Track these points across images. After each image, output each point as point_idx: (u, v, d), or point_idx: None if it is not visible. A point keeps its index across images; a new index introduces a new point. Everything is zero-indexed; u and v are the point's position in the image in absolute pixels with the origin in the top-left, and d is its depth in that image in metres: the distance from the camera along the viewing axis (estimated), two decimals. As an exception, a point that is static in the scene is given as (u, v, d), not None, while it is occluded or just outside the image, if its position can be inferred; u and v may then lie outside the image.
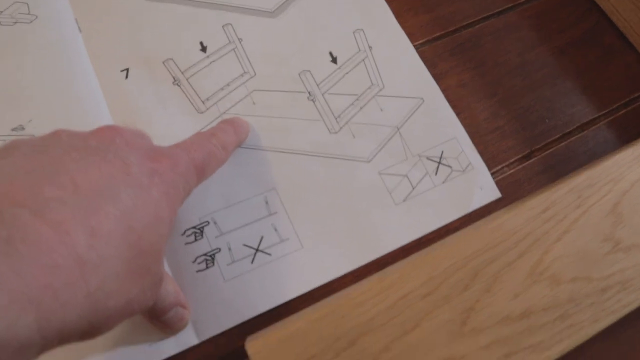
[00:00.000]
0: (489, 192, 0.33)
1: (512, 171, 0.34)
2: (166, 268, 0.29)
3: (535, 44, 0.38)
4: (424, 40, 0.37)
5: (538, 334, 0.25)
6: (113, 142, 0.23)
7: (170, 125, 0.32)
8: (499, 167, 0.34)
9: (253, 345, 0.23)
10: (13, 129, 0.32)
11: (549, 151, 0.35)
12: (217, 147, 0.27)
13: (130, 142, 0.23)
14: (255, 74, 0.34)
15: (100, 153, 0.21)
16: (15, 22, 0.34)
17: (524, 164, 0.34)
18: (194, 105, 0.33)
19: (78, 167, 0.20)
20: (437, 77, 0.35)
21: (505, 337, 0.24)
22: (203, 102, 0.33)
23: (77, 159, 0.20)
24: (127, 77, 0.34)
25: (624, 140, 0.35)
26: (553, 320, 0.25)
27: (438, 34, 0.37)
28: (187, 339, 0.28)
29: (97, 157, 0.21)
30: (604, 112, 0.36)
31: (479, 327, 0.24)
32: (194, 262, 0.29)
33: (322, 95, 0.34)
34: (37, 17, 0.34)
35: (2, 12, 0.34)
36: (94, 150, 0.21)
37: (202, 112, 0.33)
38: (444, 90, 0.35)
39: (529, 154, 0.35)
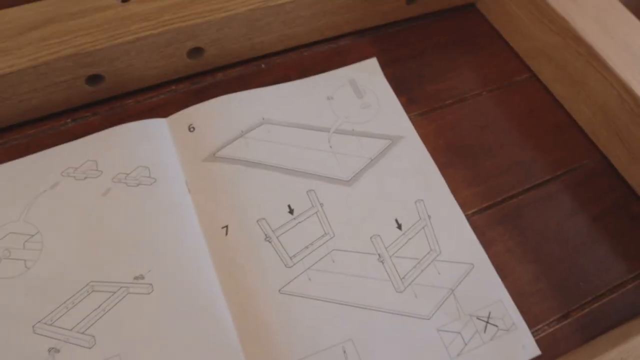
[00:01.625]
0: (530, 349, 0.38)
1: (551, 330, 0.39)
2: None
3: (571, 213, 0.44)
4: (476, 209, 0.43)
5: None
6: None
7: (264, 277, 0.39)
8: (540, 325, 0.39)
9: None
10: (135, 278, 0.38)
11: (583, 312, 0.40)
12: None
13: None
14: (334, 235, 0.41)
15: None
16: (139, 184, 0.41)
17: (562, 324, 0.40)
18: (282, 261, 0.40)
19: None
20: (487, 244, 0.42)
21: None
22: (290, 258, 0.40)
23: None
24: (226, 233, 0.40)
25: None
26: None
27: (487, 204, 0.44)
28: None
29: None
30: (634, 274, 0.42)
31: None
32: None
33: (390, 257, 0.40)
34: (155, 180, 0.42)
35: (128, 174, 0.42)
36: None
37: (289, 267, 0.39)
38: (492, 256, 0.41)
39: (566, 314, 0.40)
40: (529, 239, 0.43)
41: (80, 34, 0.41)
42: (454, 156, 0.46)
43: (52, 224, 0.40)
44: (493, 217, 0.43)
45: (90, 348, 0.36)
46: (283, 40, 0.48)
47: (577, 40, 0.45)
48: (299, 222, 0.41)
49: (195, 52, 0.45)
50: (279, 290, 0.38)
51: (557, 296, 0.41)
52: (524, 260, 0.42)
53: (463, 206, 0.43)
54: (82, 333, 0.37)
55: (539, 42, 0.49)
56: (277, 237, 0.40)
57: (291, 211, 0.41)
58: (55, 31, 0.41)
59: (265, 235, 0.40)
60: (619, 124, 0.45)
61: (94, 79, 0.43)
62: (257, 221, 0.41)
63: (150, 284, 0.38)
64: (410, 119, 0.47)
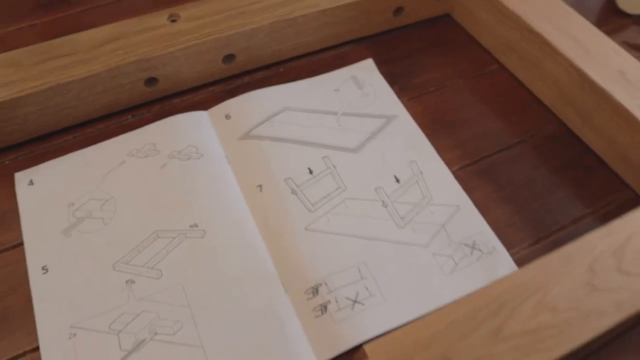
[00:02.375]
0: (508, 266, 0.47)
1: (525, 252, 0.48)
2: (295, 317, 0.44)
3: (536, 166, 0.54)
4: (459, 166, 0.53)
5: (546, 341, 0.38)
6: None
7: (293, 219, 0.48)
8: (516, 249, 0.48)
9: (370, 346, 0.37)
10: (190, 226, 0.48)
11: (551, 238, 0.49)
12: None
13: None
14: (346, 188, 0.51)
15: None
16: (189, 159, 0.52)
17: (533, 247, 0.48)
18: (306, 207, 0.49)
19: None
20: (469, 192, 0.51)
21: (524, 343, 0.38)
22: (312, 205, 0.49)
23: None
24: (261, 190, 0.50)
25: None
26: (555, 333, 0.38)
27: (467, 162, 0.54)
28: None
29: None
30: (589, 210, 0.51)
31: (506, 337, 0.38)
32: (313, 311, 0.44)
33: (391, 203, 0.50)
34: (202, 155, 0.52)
35: (180, 151, 0.52)
36: None
37: (312, 212, 0.49)
38: (473, 201, 0.51)
39: (536, 240, 0.49)
40: (503, 186, 0.52)
41: (140, 46, 0.52)
42: (438, 129, 0.56)
43: (122, 191, 0.50)
44: (472, 172, 0.53)
45: (158, 279, 0.45)
46: (296, 47, 0.59)
47: (530, 32, 0.57)
48: (317, 180, 0.51)
49: (229, 58, 0.57)
50: (305, 228, 0.48)
51: (528, 228, 0.50)
52: (500, 202, 0.51)
53: (448, 164, 0.53)
54: (152, 268, 0.46)
55: (503, 38, 0.61)
56: (301, 191, 0.50)
57: (311, 172, 0.51)
58: (122, 44, 0.52)
59: (292, 189, 0.50)
60: (570, 94, 0.55)
61: (150, 81, 0.54)
62: (285, 180, 0.51)
63: (203, 230, 0.48)
64: (402, 102, 0.57)
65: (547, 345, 0.38)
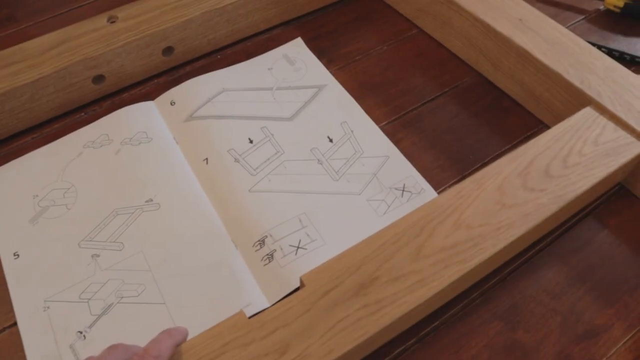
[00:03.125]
0: (437, 201, 0.51)
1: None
2: (245, 266, 0.47)
3: (457, 113, 0.58)
4: (386, 122, 0.57)
5: (462, 254, 0.42)
6: None
7: (237, 183, 0.52)
8: (442, 188, 0.52)
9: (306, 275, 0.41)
10: (146, 201, 0.52)
11: (474, 175, 0.53)
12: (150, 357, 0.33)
13: None
14: (284, 152, 0.55)
15: None
16: (140, 143, 0.55)
17: (457, 184, 0.52)
18: (248, 172, 0.53)
19: None
20: (397, 142, 0.55)
21: (443, 258, 0.41)
22: (254, 170, 0.53)
23: None
24: (207, 163, 0.54)
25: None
26: (470, 247, 0.42)
27: (394, 117, 0.58)
28: (262, 303, 0.45)
29: None
30: (509, 146, 0.55)
31: (427, 255, 0.42)
32: (261, 260, 0.48)
33: (326, 160, 0.54)
34: (152, 139, 0.56)
35: (131, 138, 0.56)
36: None
37: (254, 175, 0.53)
38: (402, 149, 0.55)
39: (461, 178, 0.53)
40: (428, 134, 0.56)
41: (85, 47, 0.56)
42: (366, 91, 0.60)
43: (82, 179, 0.54)
44: (399, 125, 0.57)
45: (120, 250, 0.49)
46: (230, 34, 0.63)
47: (439, -5, 0.61)
48: (257, 148, 0.55)
49: (168, 50, 0.60)
50: (249, 190, 0.52)
51: (453, 167, 0.54)
52: (426, 148, 0.55)
53: (376, 121, 0.57)
54: (114, 242, 0.50)
55: (416, 4, 0.65)
56: (243, 159, 0.54)
57: (251, 142, 0.55)
58: (68, 47, 0.56)
59: (235, 158, 0.54)
60: (479, 45, 0.59)
61: (98, 79, 0.58)
62: (228, 151, 0.55)
63: (158, 203, 0.51)
64: (332, 73, 0.62)
65: (463, 258, 0.42)
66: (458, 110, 0.58)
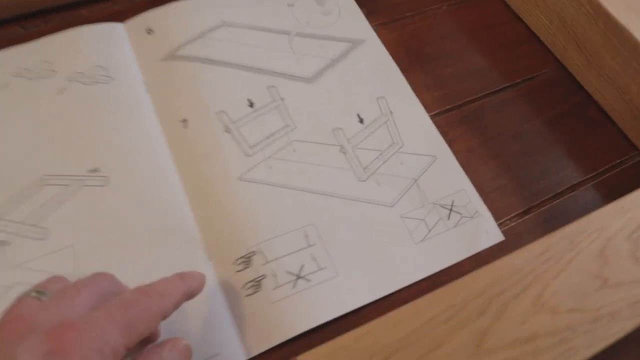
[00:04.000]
0: (494, 236, 0.36)
1: (513, 224, 0.37)
2: (219, 294, 0.32)
3: (530, 117, 0.42)
4: (437, 111, 0.41)
5: (541, 356, 0.27)
6: (9, 338, 0.20)
7: (224, 165, 0.36)
8: (502, 220, 0.37)
9: (307, 357, 0.26)
10: (89, 170, 0.35)
11: (544, 208, 0.38)
12: (151, 297, 0.24)
13: (32, 326, 0.21)
14: (295, 127, 0.38)
15: None
16: (95, 83, 0.38)
17: (523, 218, 0.38)
18: (242, 150, 0.37)
19: None
20: (448, 143, 0.39)
21: (514, 358, 0.27)
22: (250, 148, 0.37)
23: None
24: (185, 126, 0.37)
25: (608, 199, 0.39)
26: (554, 344, 0.28)
27: (447, 107, 0.41)
28: (236, 356, 0.30)
29: None
30: (590, 175, 0.40)
31: (493, 348, 0.27)
32: (243, 287, 0.32)
33: (352, 149, 0.38)
34: (113, 79, 0.38)
35: (84, 73, 0.38)
36: None
37: (250, 156, 0.37)
38: (454, 154, 0.39)
39: (527, 210, 0.38)
40: (490, 139, 0.41)
41: None
42: (414, 62, 0.43)
43: (2, 121, 0.36)
44: (453, 119, 0.41)
45: (42, 240, 0.33)
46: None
47: (534, -53, 0.44)
48: (260, 115, 0.38)
49: (153, -48, 0.42)
50: (239, 178, 0.36)
51: (518, 192, 0.39)
52: (486, 158, 0.40)
53: (424, 107, 0.41)
54: (34, 225, 0.33)
55: (497, -45, 0.47)
56: (237, 128, 0.37)
57: (251, 105, 0.39)
58: None
59: (225, 126, 0.37)
60: (576, 29, 0.43)
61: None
62: (217, 113, 0.38)
63: (106, 177, 0.35)
64: (371, 26, 0.44)
65: None
66: (530, 113, 0.42)
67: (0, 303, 0.30)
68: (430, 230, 0.36)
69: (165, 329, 0.29)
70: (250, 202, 0.35)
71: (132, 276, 0.28)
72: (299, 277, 0.33)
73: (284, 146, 0.37)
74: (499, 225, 0.37)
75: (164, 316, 0.25)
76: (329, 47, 0.42)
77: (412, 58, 0.44)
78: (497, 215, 0.37)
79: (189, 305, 0.29)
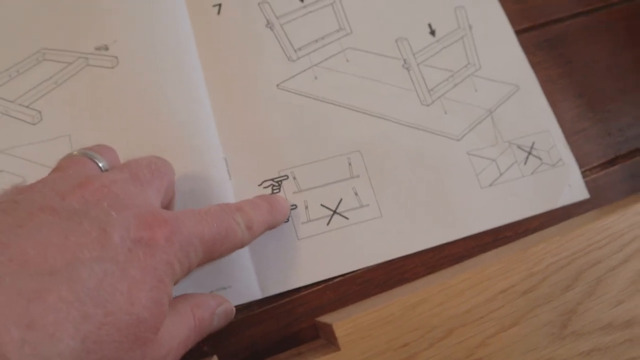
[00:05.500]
0: (578, 191, 0.29)
1: (594, 176, 0.30)
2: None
3: (626, 46, 0.34)
4: (516, 29, 0.33)
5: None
6: (98, 204, 0.17)
7: (261, 68, 0.29)
8: (581, 170, 0.30)
9: (342, 327, 0.19)
10: (97, 48, 0.28)
11: (633, 159, 0.31)
12: (239, 225, 0.21)
13: (122, 202, 0.18)
14: (351, 31, 0.30)
15: (75, 218, 0.16)
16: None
17: (606, 170, 0.30)
18: (285, 52, 0.29)
19: (38, 235, 0.15)
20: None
21: (606, 346, 0.21)
22: (295, 51, 0.29)
23: (42, 224, 0.16)
24: (218, 13, 0.30)
25: None
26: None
27: (526, 25, 0.33)
28: (251, 292, 0.25)
29: (69, 222, 0.16)
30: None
31: (580, 332, 0.21)
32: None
33: (417, 65, 0.30)
34: None
35: None
36: (69, 214, 0.16)
37: (293, 61, 0.29)
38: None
39: (612, 159, 0.30)
40: (575, 70, 0.32)
41: None
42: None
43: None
44: (532, 41, 0.33)
45: (34, 124, 0.27)
46: None
47: None
48: (310, 12, 0.31)
49: None
50: (277, 85, 0.28)
51: (603, 139, 0.31)
52: (569, 94, 0.32)
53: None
54: (26, 106, 0.27)
55: None
56: (281, 25, 0.30)
57: (300, -3, 0.31)
58: None
59: (267, 20, 0.30)
60: None
61: None
62: (259, 3, 0.30)
63: (115, 57, 0.28)
64: None
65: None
66: (627, 41, 0.34)
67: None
68: (501, 174, 0.28)
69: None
70: (288, 116, 0.28)
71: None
72: (335, 212, 0.26)
73: (335, 53, 0.30)
74: (586, 176, 0.29)
75: (241, 247, 0.21)
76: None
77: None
78: (578, 161, 0.30)
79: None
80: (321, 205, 0.26)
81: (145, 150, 0.26)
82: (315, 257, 0.25)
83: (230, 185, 0.26)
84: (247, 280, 0.25)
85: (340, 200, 0.26)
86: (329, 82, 0.29)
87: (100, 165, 0.21)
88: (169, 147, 0.26)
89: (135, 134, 0.27)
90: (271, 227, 0.24)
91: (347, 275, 0.26)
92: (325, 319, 0.22)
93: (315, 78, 0.29)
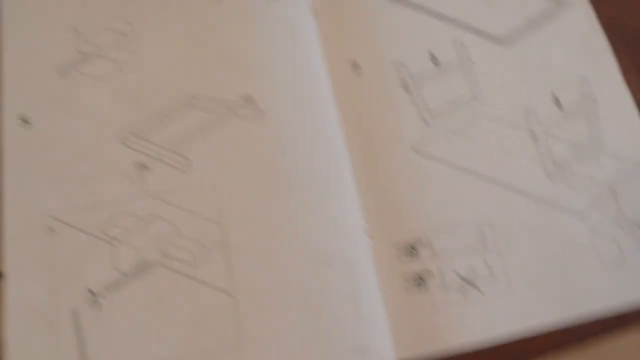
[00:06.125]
0: None
1: None
2: (375, 280, 0.27)
3: None
4: (642, 103, 0.33)
5: None
6: None
7: (397, 129, 0.30)
8: None
9: None
10: (242, 97, 0.29)
11: None
12: None
13: None
14: (481, 97, 0.31)
15: None
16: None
17: None
18: (419, 114, 0.30)
19: None
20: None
21: None
22: (430, 113, 0.30)
23: None
24: (356, 72, 0.31)
25: None
26: None
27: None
28: (386, 353, 0.26)
29: None
30: None
31: None
32: (404, 279, 0.27)
33: (545, 136, 0.31)
34: (277, -4, 0.32)
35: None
36: None
37: (427, 125, 0.30)
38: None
39: None
40: None
41: None
42: (621, 38, 0.35)
43: (149, 23, 0.31)
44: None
45: (184, 172, 0.28)
46: None
47: None
48: (443, 74, 0.31)
49: None
50: (413, 148, 0.29)
51: None
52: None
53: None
54: (175, 153, 0.28)
55: None
56: (416, 87, 0.31)
57: (434, 59, 0.32)
58: None
59: (403, 81, 0.31)
60: None
61: None
62: (393, 63, 0.31)
63: (262, 110, 0.29)
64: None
65: None
66: None
67: (137, 238, 0.26)
68: (623, 255, 0.29)
69: (301, 301, 0.24)
70: (423, 180, 0.29)
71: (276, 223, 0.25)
72: (466, 282, 0.27)
73: (469, 119, 0.31)
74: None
75: None
76: (527, 2, 0.34)
77: (620, 33, 0.35)
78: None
79: (338, 284, 0.26)
80: (455, 272, 0.27)
81: (285, 203, 0.27)
82: (451, 326, 0.26)
83: (368, 248, 0.27)
84: (383, 340, 0.26)
85: (474, 270, 0.27)
86: (462, 149, 0.30)
87: None
88: (309, 201, 0.28)
89: (277, 188, 0.28)
90: None
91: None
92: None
93: (449, 144, 0.30)
